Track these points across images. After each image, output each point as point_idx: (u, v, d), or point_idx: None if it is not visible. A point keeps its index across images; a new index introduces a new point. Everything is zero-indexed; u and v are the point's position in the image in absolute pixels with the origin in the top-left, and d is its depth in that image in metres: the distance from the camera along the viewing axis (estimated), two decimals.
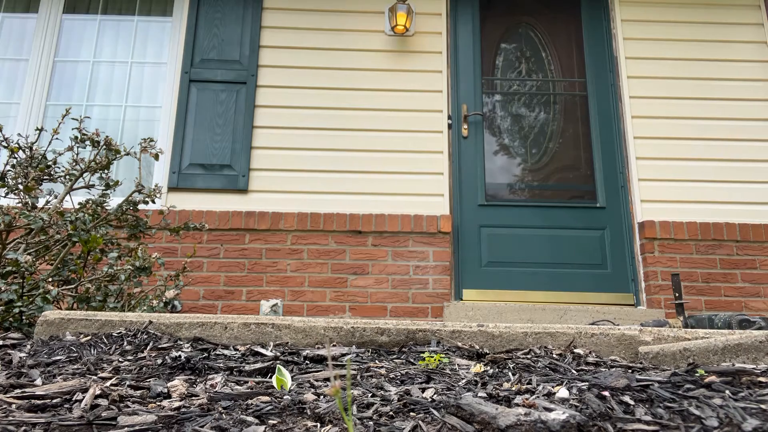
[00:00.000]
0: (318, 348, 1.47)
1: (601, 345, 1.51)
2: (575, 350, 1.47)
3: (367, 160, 3.88)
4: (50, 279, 2.11)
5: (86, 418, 0.84)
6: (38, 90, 4.01)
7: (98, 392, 0.97)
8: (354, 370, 1.22)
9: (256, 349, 1.41)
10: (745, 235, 3.74)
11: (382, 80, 4.03)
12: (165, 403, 0.95)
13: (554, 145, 4.11)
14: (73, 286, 2.16)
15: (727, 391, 0.94)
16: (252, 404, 0.93)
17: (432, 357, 1.32)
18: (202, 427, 0.82)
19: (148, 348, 1.40)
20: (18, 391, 1.00)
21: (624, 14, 4.21)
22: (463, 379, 1.16)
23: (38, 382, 1.08)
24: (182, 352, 1.33)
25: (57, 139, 2.54)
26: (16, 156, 2.43)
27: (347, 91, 4.00)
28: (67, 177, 2.48)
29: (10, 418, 0.84)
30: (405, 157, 3.89)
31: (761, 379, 1.01)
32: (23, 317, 1.92)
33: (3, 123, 3.46)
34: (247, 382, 1.12)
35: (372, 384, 1.10)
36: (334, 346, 1.50)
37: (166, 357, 1.27)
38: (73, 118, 2.58)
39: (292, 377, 1.13)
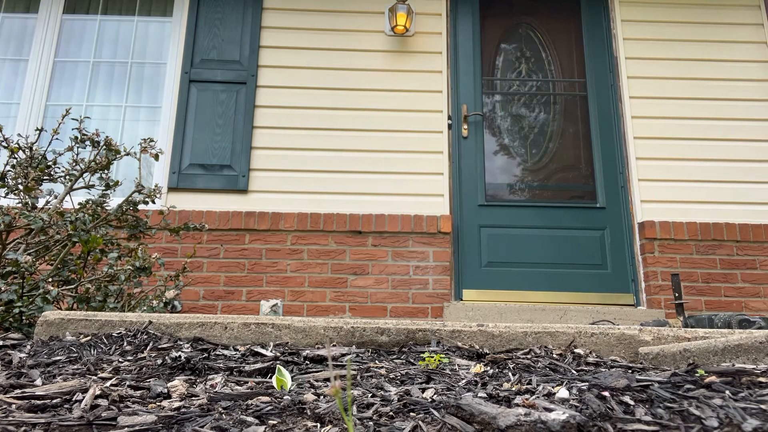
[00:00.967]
0: (318, 348, 1.47)
1: (600, 345, 1.51)
2: (575, 350, 1.47)
3: (367, 161, 3.88)
4: (50, 279, 2.11)
5: (86, 419, 0.84)
6: (38, 90, 4.01)
7: (98, 392, 0.97)
8: (354, 370, 1.22)
9: (256, 349, 1.41)
10: (745, 235, 3.74)
11: (382, 80, 4.03)
12: (165, 403, 0.95)
13: (554, 145, 4.12)
14: (73, 286, 2.16)
15: (727, 392, 0.94)
16: (252, 404, 0.93)
17: (432, 357, 1.32)
18: (202, 427, 0.82)
19: (148, 348, 1.40)
20: (18, 391, 1.00)
21: (624, 14, 4.21)
22: (463, 379, 1.16)
23: (38, 382, 1.08)
24: (182, 352, 1.33)
25: (57, 139, 2.54)
26: (16, 156, 2.43)
27: (347, 91, 4.00)
28: (67, 177, 2.48)
29: (10, 419, 0.84)
30: (405, 157, 3.89)
31: (761, 379, 1.01)
32: (23, 317, 1.92)
33: (3, 123, 3.47)
34: (247, 382, 1.12)
35: (372, 384, 1.10)
36: (334, 346, 1.50)
37: (166, 357, 1.27)
38: (73, 119, 2.58)
39: (292, 377, 1.13)
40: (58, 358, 1.31)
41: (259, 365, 1.24)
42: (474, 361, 1.37)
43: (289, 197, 3.80)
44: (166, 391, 1.01)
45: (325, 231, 3.73)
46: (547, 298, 3.73)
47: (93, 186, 2.49)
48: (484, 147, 4.06)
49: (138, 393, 1.01)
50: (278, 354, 1.37)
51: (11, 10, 4.22)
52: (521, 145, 4.13)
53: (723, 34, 4.15)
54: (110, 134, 3.81)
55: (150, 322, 1.58)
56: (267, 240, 3.70)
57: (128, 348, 1.40)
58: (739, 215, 3.80)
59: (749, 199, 3.84)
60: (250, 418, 0.86)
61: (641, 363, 1.40)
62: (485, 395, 0.98)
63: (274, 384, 1.06)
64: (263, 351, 1.40)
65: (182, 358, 1.25)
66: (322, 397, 0.99)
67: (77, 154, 2.52)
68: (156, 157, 2.57)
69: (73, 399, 0.96)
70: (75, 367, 1.22)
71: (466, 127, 4.05)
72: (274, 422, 0.84)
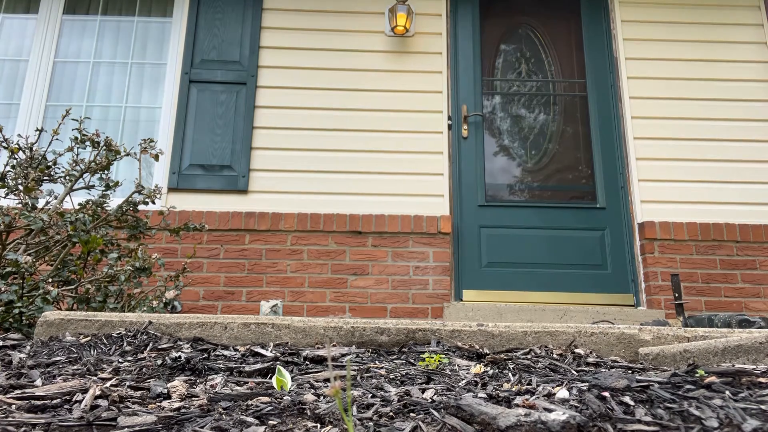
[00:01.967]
0: (318, 348, 1.47)
1: (600, 344, 1.51)
2: (575, 350, 1.47)
3: (367, 161, 3.88)
4: (50, 280, 2.11)
5: (86, 419, 0.84)
6: (38, 90, 4.01)
7: (98, 393, 0.97)
8: (354, 370, 1.22)
9: (256, 350, 1.41)
10: (745, 235, 3.74)
11: (382, 81, 4.03)
12: (165, 403, 0.95)
13: (554, 145, 4.12)
14: (73, 286, 2.16)
15: (727, 392, 0.94)
16: (252, 405, 0.93)
17: (432, 357, 1.32)
18: (202, 427, 0.82)
19: (148, 348, 1.40)
20: (18, 391, 1.00)
21: (624, 15, 4.21)
22: (463, 379, 1.16)
23: (38, 382, 1.08)
24: (182, 352, 1.33)
25: (57, 139, 2.55)
26: (17, 157, 2.43)
27: (347, 91, 4.00)
28: (67, 178, 2.48)
29: (10, 419, 0.84)
30: (405, 157, 3.89)
31: (761, 379, 1.01)
32: (23, 318, 1.92)
33: (3, 124, 3.47)
34: (247, 382, 1.12)
35: (372, 384, 1.10)
36: (334, 346, 1.50)
37: (166, 357, 1.27)
38: (73, 119, 2.58)
39: (292, 378, 1.13)
40: (58, 358, 1.31)
41: (259, 365, 1.24)
42: (474, 361, 1.37)
43: (289, 197, 3.80)
44: (166, 391, 1.01)
45: (325, 231, 3.73)
46: (546, 299, 3.73)
47: (93, 186, 2.49)
48: (484, 147, 4.06)
49: (138, 393, 1.01)
50: (278, 354, 1.37)
51: (11, 11, 4.22)
52: (521, 145, 4.13)
53: (723, 34, 4.15)
54: (110, 135, 3.81)
55: (150, 323, 1.58)
56: (267, 240, 3.70)
57: (128, 348, 1.40)
58: (739, 216, 3.80)
59: (749, 199, 3.84)
60: (250, 419, 0.86)
61: (641, 363, 1.40)
62: (485, 395, 0.98)
63: (274, 384, 1.06)
64: (263, 351, 1.40)
65: (182, 358, 1.25)
66: (322, 397, 0.99)
67: (77, 155, 2.52)
68: (156, 157, 2.57)
69: (73, 399, 0.96)
70: (75, 367, 1.22)
71: (466, 127, 4.05)
72: (274, 423, 0.84)
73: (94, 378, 1.11)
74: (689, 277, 3.67)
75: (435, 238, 3.74)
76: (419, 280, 3.67)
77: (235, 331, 1.56)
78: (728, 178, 3.87)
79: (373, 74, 4.05)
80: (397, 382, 1.14)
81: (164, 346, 1.42)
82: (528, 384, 1.10)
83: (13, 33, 4.18)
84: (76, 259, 2.29)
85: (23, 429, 0.81)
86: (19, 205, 2.28)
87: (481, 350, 1.48)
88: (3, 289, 1.89)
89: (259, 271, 3.65)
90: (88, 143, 2.48)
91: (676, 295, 3.29)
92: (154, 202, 2.53)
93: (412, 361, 1.37)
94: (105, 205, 2.43)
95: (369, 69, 4.05)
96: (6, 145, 2.43)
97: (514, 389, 1.05)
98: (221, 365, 1.24)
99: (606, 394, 0.93)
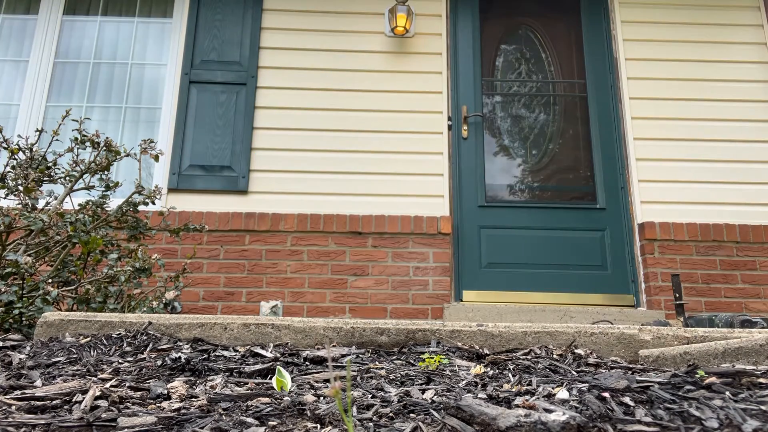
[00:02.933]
0: (318, 349, 1.47)
1: (600, 344, 1.51)
2: (576, 350, 1.47)
3: (367, 161, 3.88)
4: (50, 280, 2.11)
5: (86, 420, 0.84)
6: (38, 91, 4.01)
7: (98, 393, 0.97)
8: (354, 371, 1.22)
9: (255, 350, 1.41)
10: (745, 236, 3.74)
11: (382, 81, 4.03)
12: (165, 404, 0.95)
13: (554, 146, 4.12)
14: (73, 287, 2.16)
15: (727, 393, 0.94)
16: (252, 405, 0.93)
17: (432, 358, 1.32)
18: (202, 428, 0.82)
19: (148, 349, 1.40)
20: (18, 392, 1.00)
21: (624, 16, 4.21)
22: (463, 380, 1.16)
23: (38, 383, 1.08)
24: (182, 353, 1.33)
25: (57, 140, 2.55)
26: (17, 157, 2.43)
27: (347, 92, 4.00)
28: (67, 178, 2.48)
29: (10, 420, 0.84)
30: (405, 158, 3.89)
31: (761, 380, 1.01)
32: (23, 318, 1.92)
33: (3, 124, 3.47)
34: (247, 383, 1.12)
35: (372, 385, 1.10)
36: (333, 346, 1.50)
37: (166, 358, 1.27)
38: (73, 120, 2.58)
39: (292, 378, 1.13)
40: (57, 359, 1.31)
41: (259, 366, 1.24)
42: (474, 361, 1.37)
43: (289, 198, 3.80)
44: (166, 392, 1.01)
45: (325, 232, 3.73)
46: (546, 299, 3.73)
47: (93, 187, 2.49)
48: (484, 148, 4.06)
49: (138, 394, 1.01)
50: (278, 355, 1.37)
51: (11, 11, 4.22)
52: (521, 146, 4.13)
53: (723, 35, 4.15)
54: (110, 135, 3.82)
55: (150, 323, 1.58)
56: (267, 241, 3.70)
57: (128, 349, 1.40)
58: (739, 216, 3.80)
59: (749, 199, 3.84)
60: (250, 419, 0.86)
61: (641, 364, 1.40)
62: (485, 396, 0.98)
63: (274, 385, 1.06)
64: (263, 352, 1.40)
65: (182, 359, 1.24)
66: (322, 398, 0.99)
67: (77, 155, 2.52)
68: (156, 158, 2.57)
69: (73, 400, 0.96)
70: (75, 368, 1.22)
71: (466, 128, 4.05)
72: (274, 423, 0.84)
73: (94, 379, 1.11)
74: (689, 278, 3.67)
75: (435, 238, 3.74)
76: (419, 280, 3.67)
77: (235, 331, 1.56)
78: (728, 179, 3.87)
79: (373, 75, 4.05)
80: (397, 382, 1.14)
81: (164, 346, 1.42)
82: (528, 384, 1.10)
83: (13, 33, 4.18)
84: (76, 259, 2.29)
85: (23, 429, 0.81)
86: (19, 206, 2.28)
87: (481, 351, 1.48)
88: (3, 289, 1.89)
89: (259, 272, 3.65)
90: (88, 144, 2.48)
91: (677, 295, 3.29)
92: (154, 203, 2.53)
93: (412, 361, 1.37)
94: (105, 205, 2.43)
95: (369, 69, 4.05)
96: (6, 146, 2.43)
97: (514, 390, 1.05)
98: (221, 366, 1.24)
99: (606, 394, 0.93)
